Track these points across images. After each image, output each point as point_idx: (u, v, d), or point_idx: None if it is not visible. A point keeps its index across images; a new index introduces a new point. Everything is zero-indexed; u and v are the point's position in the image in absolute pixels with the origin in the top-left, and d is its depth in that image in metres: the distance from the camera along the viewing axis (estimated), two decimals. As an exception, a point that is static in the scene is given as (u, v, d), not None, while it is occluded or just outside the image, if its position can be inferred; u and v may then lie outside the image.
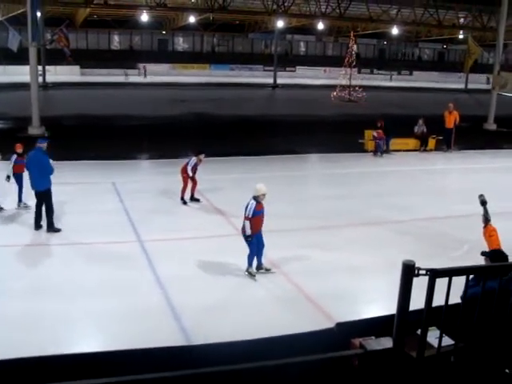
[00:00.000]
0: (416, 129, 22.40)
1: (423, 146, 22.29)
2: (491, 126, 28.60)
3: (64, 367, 6.56)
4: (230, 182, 16.32)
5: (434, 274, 4.26)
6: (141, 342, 7.17)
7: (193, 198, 14.17)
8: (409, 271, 4.28)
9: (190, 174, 13.89)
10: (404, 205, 14.51)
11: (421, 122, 22.47)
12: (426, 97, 46.32)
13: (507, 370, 5.21)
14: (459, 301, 5.03)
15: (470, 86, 53.05)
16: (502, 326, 4.96)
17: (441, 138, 22.68)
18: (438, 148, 22.57)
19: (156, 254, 10.44)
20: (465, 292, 4.87)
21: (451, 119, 22.44)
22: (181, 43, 68.44)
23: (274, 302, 8.77)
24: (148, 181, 16.61)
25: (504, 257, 5.83)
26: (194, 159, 14.01)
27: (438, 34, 59.62)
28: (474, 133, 26.94)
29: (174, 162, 18.27)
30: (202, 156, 14.10)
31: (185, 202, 13.98)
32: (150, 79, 53.24)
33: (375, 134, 20.91)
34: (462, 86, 53.94)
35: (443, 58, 74.50)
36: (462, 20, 52.67)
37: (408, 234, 12.33)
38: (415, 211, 13.97)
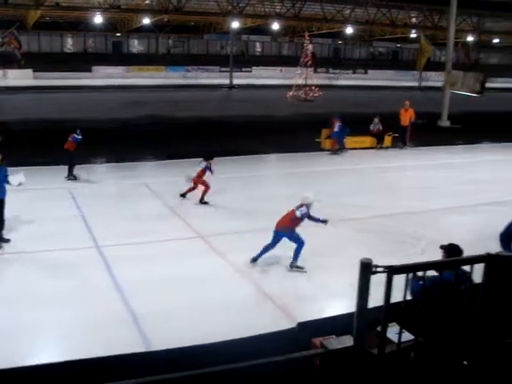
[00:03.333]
0: (372, 127, 22.65)
1: (379, 144, 22.57)
2: (445, 122, 29.08)
3: (16, 380, 6.42)
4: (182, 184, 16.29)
5: (391, 271, 4.29)
6: (100, 350, 7.07)
7: (202, 201, 14.32)
8: (366, 269, 4.30)
9: (208, 172, 14.17)
10: (362, 202, 14.65)
11: (376, 120, 22.72)
12: (382, 95, 46.79)
13: (465, 362, 5.28)
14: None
15: (425, 84, 53.80)
16: (458, 319, 5.03)
17: (397, 135, 22.99)
18: (394, 145, 22.88)
19: (114, 259, 10.32)
20: (422, 286, 4.93)
21: (407, 117, 22.75)
22: (136, 45, 67.81)
23: (236, 304, 8.75)
24: (105, 185, 16.36)
25: (459, 251, 5.93)
26: (204, 163, 14.23)
27: (391, 33, 60.47)
28: (429, 130, 27.34)
29: (131, 166, 18.15)
30: (212, 160, 14.36)
31: (205, 202, 14.22)
32: (103, 82, 52.55)
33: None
34: (416, 83, 54.65)
35: (397, 57, 75.51)
36: (414, 19, 53.56)
37: (367, 231, 12.46)
38: (373, 209, 14.13)
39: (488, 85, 51.45)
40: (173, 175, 16.84)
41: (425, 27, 51.11)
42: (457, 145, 24.51)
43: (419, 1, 42.67)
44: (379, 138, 22.61)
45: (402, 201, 15.11)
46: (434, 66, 53.10)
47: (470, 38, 57.18)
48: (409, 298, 4.88)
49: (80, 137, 16.24)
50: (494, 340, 5.13)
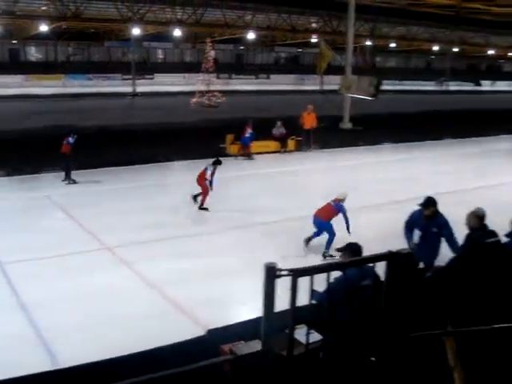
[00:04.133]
0: (274, 131, 22.92)
1: (283, 148, 22.85)
2: (347, 125, 29.81)
3: None
4: (90, 195, 15.94)
5: (295, 274, 4.32)
6: (5, 371, 6.76)
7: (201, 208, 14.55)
8: (271, 273, 4.30)
9: (209, 178, 14.47)
10: (270, 206, 14.78)
11: (279, 123, 23.00)
12: (284, 99, 47.45)
13: (373, 358, 5.38)
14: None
15: (326, 88, 54.95)
16: (363, 317, 5.13)
17: (300, 138, 23.36)
18: (298, 148, 23.22)
19: (17, 275, 9.91)
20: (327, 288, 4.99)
21: (309, 120, 23.15)
22: (34, 53, 65.69)
23: (146, 314, 8.59)
24: (2, 199, 15.68)
25: (359, 248, 6.05)
26: (211, 167, 14.61)
27: (292, 38, 61.49)
28: (332, 132, 27.94)
29: (32, 178, 17.56)
30: (218, 165, 14.77)
31: (205, 209, 14.45)
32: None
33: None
34: (318, 87, 55.74)
35: (299, 61, 76.81)
36: (314, 25, 54.72)
37: (276, 234, 12.57)
38: (281, 212, 14.27)
39: (385, 87, 53.31)
40: (76, 186, 16.48)
41: (325, 32, 52.33)
42: (359, 146, 25.17)
43: (319, 7, 43.61)
44: (283, 141, 22.90)
45: (309, 203, 15.25)
46: (335, 70, 54.36)
47: (367, 43, 58.94)
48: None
49: (73, 140, 16.78)
50: (399, 335, 5.25)
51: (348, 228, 11.42)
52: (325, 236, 11.41)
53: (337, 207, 11.50)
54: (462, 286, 7.03)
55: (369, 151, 24.39)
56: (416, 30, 61.06)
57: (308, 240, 11.72)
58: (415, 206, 9.28)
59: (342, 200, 11.63)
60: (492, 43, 71.83)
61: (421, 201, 9.07)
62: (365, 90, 27.53)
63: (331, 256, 10.95)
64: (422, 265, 9.09)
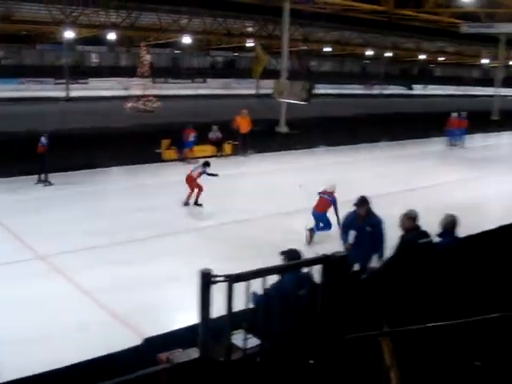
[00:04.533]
0: (211, 135, 22.87)
1: (220, 152, 22.82)
2: (283, 128, 30.00)
3: None
4: (23, 202, 15.56)
5: (231, 280, 4.31)
6: None
7: (196, 203, 15.45)
8: (206, 280, 4.29)
9: (195, 176, 15.36)
10: (208, 211, 14.78)
11: (215, 128, 22.98)
12: (220, 103, 47.40)
13: (311, 361, 5.42)
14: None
15: (263, 92, 55.20)
16: (300, 320, 5.16)
17: (236, 143, 23.38)
18: (234, 153, 23.24)
19: None
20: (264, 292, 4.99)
21: (245, 124, 23.22)
22: (-39, 57, 63.78)
23: (81, 324, 8.41)
24: None
25: (298, 254, 6.08)
26: (200, 167, 15.57)
27: (228, 42, 61.54)
28: (268, 136, 28.08)
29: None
30: (207, 167, 15.55)
31: (187, 204, 15.41)
32: None
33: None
34: (254, 91, 55.93)
35: (235, 66, 76.93)
36: (250, 29, 54.88)
37: (216, 239, 12.57)
38: (218, 216, 14.31)
39: (321, 91, 53.93)
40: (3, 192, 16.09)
41: (260, 36, 52.55)
42: (296, 149, 25.35)
43: (254, 11, 43.76)
44: (219, 146, 22.89)
45: (246, 206, 15.37)
46: (271, 73, 54.72)
47: (302, 47, 59.48)
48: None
49: (45, 140, 17.51)
50: (336, 337, 5.30)
51: (338, 220, 11.83)
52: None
53: (331, 199, 12.39)
54: (397, 286, 7.16)
55: (305, 154, 24.61)
56: (350, 34, 62.07)
57: (310, 234, 12.42)
58: (350, 208, 9.44)
59: (333, 192, 12.50)
60: (423, 48, 73.73)
61: (353, 202, 9.26)
62: (297, 95, 27.85)
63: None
64: (357, 266, 9.25)
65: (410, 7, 31.91)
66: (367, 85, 76.34)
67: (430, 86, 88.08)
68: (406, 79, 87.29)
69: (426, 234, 7.70)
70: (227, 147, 23.20)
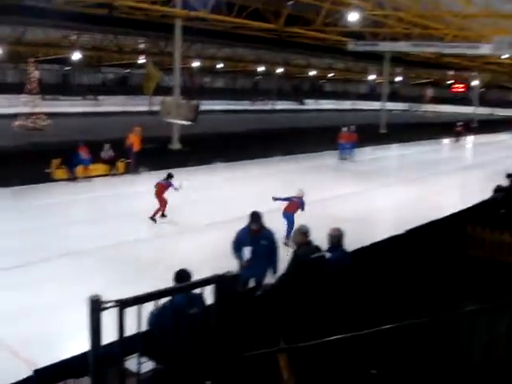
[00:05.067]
0: (103, 154, 22.42)
1: (112, 171, 22.41)
2: (176, 145, 29.86)
3: None
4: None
5: (121, 305, 4.20)
6: None
7: (163, 215, 16.15)
8: (96, 306, 4.16)
9: (161, 189, 16.10)
10: (100, 231, 14.44)
11: (107, 146, 22.55)
12: (113, 121, 46.54)
13: (208, 382, 5.38)
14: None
15: (156, 108, 54.67)
16: (194, 341, 5.12)
17: (129, 161, 23.03)
18: (127, 171, 22.87)
19: None
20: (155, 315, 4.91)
21: (137, 141, 22.95)
22: None
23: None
24: None
25: (187, 274, 6.02)
26: (165, 181, 16.25)
27: (119, 59, 60.75)
28: (161, 153, 27.86)
29: None
30: (171, 179, 16.30)
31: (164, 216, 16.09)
32: None
33: None
34: (147, 108, 55.44)
35: (127, 82, 75.99)
36: (141, 45, 54.48)
37: (110, 261, 12.29)
38: (111, 237, 13.97)
39: (214, 107, 54.15)
40: None
41: (152, 53, 52.24)
42: (189, 166, 25.25)
43: (146, 28, 43.40)
44: (112, 164, 22.46)
45: (139, 226, 15.15)
46: (164, 90, 54.49)
47: (195, 64, 59.65)
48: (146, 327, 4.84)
49: None
50: (233, 356, 5.29)
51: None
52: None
53: (300, 202, 14.26)
54: (291, 302, 7.25)
55: (199, 171, 24.58)
56: (242, 51, 62.89)
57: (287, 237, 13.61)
58: (242, 224, 9.49)
59: (302, 196, 14.39)
60: (313, 65, 75.81)
61: (247, 218, 9.32)
62: (184, 115, 28.13)
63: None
64: (252, 283, 9.30)
65: (299, 25, 32.63)
66: (255, 100, 77.26)
67: (321, 101, 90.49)
68: (298, 94, 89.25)
69: (317, 249, 7.86)
70: (120, 166, 22.82)
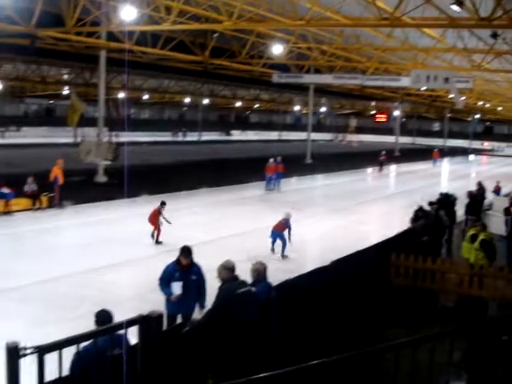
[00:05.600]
0: (26, 188, 21.78)
1: (36, 205, 21.78)
2: (102, 178, 29.41)
3: None
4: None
5: (41, 352, 4.06)
6: None
7: (157, 242, 17.27)
8: (13, 354, 4.00)
9: (162, 220, 17.35)
10: (22, 269, 13.93)
11: (30, 180, 21.94)
12: (36, 153, 45.46)
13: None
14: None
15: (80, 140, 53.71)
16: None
17: (53, 194, 22.43)
18: (51, 205, 22.29)
19: None
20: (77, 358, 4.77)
21: (60, 174, 22.48)
22: None
23: None
24: None
25: (108, 315, 5.86)
26: (158, 207, 17.44)
27: (43, 89, 59.67)
28: (86, 186, 27.38)
29: None
30: (164, 206, 17.58)
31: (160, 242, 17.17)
32: None
33: None
34: (72, 139, 54.47)
35: (52, 113, 74.61)
36: (66, 76, 53.73)
37: (29, 300, 11.83)
38: (34, 274, 13.50)
39: (140, 139, 53.84)
40: None
41: (77, 84, 51.60)
42: (116, 199, 24.79)
43: (70, 58, 42.85)
44: (35, 198, 21.83)
45: (63, 262, 14.75)
46: (89, 121, 53.78)
47: (120, 95, 59.19)
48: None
49: None
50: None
51: (289, 238, 16.32)
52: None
53: (286, 223, 16.38)
54: (219, 338, 7.18)
55: (125, 204, 24.16)
56: (168, 83, 62.93)
57: (272, 249, 16.49)
58: (170, 259, 9.40)
59: (289, 218, 16.46)
60: (239, 96, 76.64)
61: (176, 252, 9.26)
62: (103, 155, 28.02)
63: (287, 257, 16.16)
64: (180, 318, 9.18)
65: (225, 57, 32.97)
66: (176, 132, 77.16)
67: (248, 132, 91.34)
68: (224, 125, 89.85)
69: (243, 284, 7.85)
70: (44, 199, 22.20)
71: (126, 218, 20.43)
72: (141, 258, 15.43)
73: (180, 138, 75.29)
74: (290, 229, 16.41)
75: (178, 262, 9.25)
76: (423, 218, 16.36)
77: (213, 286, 8.51)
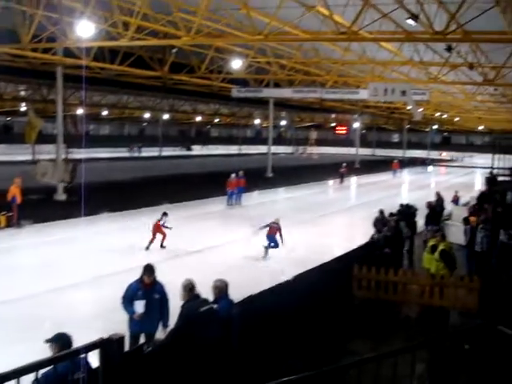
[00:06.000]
0: (-17, 208, 21.35)
1: (-7, 225, 21.38)
2: (61, 196, 29.01)
3: None
4: None
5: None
6: None
7: (162, 246, 19.06)
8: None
9: (164, 229, 19.07)
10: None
11: (-13, 199, 21.53)
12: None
13: None
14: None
15: (38, 157, 52.90)
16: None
17: (11, 214, 22.01)
18: (9, 224, 21.87)
19: None
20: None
21: (18, 193, 22.06)
22: None
23: None
24: None
25: (68, 338, 5.72)
26: (161, 217, 19.23)
27: (0, 106, 58.76)
28: (45, 204, 26.96)
29: None
30: (166, 216, 19.29)
31: (147, 248, 18.72)
32: None
33: None
34: (30, 157, 53.65)
35: (9, 130, 73.43)
36: (23, 92, 53.00)
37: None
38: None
39: (100, 155, 53.36)
40: None
41: (34, 100, 50.91)
42: (76, 217, 24.41)
43: (27, 75, 42.29)
44: (-8, 218, 21.43)
45: (22, 283, 14.45)
46: (48, 138, 53.06)
47: (79, 111, 58.62)
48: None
49: None
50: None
51: (281, 241, 18.49)
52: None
53: (278, 227, 18.43)
54: (181, 357, 7.11)
55: (86, 222, 23.80)
56: (127, 98, 62.58)
57: (266, 251, 18.40)
58: (133, 277, 9.30)
59: (278, 222, 18.55)
60: (199, 110, 76.60)
61: (139, 270, 9.17)
62: (60, 177, 27.80)
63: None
64: (143, 338, 9.07)
65: (184, 72, 32.89)
66: (132, 148, 76.48)
67: (209, 146, 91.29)
68: (185, 140, 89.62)
69: (205, 302, 7.82)
70: (2, 219, 21.76)
71: (85, 237, 20.13)
72: (102, 276, 15.21)
73: (136, 154, 74.59)
74: (280, 231, 18.39)
75: (141, 280, 9.17)
76: (383, 223, 16.77)
77: (175, 304, 8.44)
